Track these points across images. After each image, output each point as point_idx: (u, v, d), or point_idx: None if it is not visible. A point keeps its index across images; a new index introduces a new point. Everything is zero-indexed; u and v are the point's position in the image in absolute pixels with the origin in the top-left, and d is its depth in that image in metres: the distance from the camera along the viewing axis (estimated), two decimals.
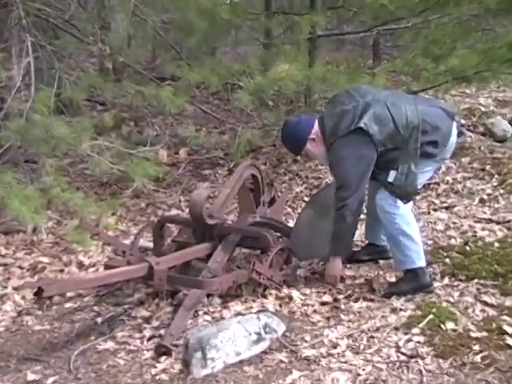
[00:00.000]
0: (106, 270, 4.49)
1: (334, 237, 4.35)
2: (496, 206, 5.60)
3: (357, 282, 4.56)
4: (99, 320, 4.31)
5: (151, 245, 5.02)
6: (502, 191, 5.81)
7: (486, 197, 5.78)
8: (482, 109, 8.06)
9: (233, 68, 6.28)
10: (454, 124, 4.40)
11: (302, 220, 4.85)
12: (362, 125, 4.15)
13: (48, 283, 3.68)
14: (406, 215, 4.28)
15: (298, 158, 7.14)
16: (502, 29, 6.75)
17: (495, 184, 5.96)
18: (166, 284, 4.24)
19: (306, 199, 6.22)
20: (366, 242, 4.94)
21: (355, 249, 4.94)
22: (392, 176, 4.22)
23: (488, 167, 6.28)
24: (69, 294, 4.64)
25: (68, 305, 4.59)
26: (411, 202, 4.38)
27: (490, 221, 5.31)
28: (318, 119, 4.41)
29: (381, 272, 4.63)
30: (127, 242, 5.28)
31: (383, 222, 4.33)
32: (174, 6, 5.71)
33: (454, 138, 4.38)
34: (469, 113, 7.89)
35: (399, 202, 4.24)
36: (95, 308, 4.49)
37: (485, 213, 5.49)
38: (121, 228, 5.93)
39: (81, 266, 5.19)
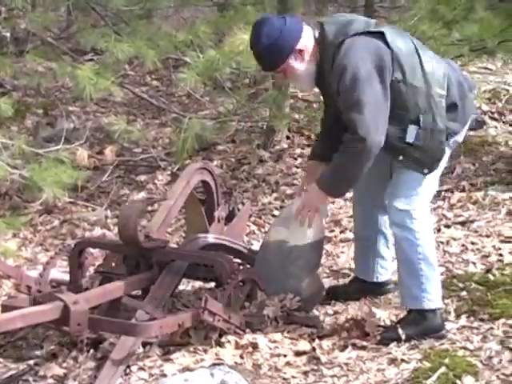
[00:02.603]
0: (3, 312, 4.45)
1: (332, 168, 4.21)
2: None
3: (343, 323, 4.57)
4: None
5: (67, 277, 5.00)
6: None
7: None
8: (511, 90, 8.18)
9: (176, 38, 6.30)
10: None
11: (270, 241, 4.88)
12: (383, 29, 4.12)
13: None
14: (430, 232, 4.32)
15: (266, 157, 7.19)
16: None
17: None
18: (87, 330, 4.23)
19: (277, 213, 6.25)
20: (353, 275, 5.00)
21: (338, 283, 4.99)
22: (412, 133, 4.14)
23: None
24: None
25: None
26: (428, 208, 4.40)
27: None
28: (311, 26, 4.27)
29: (375, 310, 4.66)
30: (34, 273, 5.24)
31: (398, 240, 4.32)
32: None
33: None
34: (492, 96, 8.02)
35: (420, 204, 4.23)
36: None
37: None
38: (25, 255, 5.90)
39: None
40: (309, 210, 4.32)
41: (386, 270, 4.72)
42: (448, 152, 4.38)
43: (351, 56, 4.04)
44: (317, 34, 4.20)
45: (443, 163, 4.38)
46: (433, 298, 4.26)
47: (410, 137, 4.13)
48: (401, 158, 4.22)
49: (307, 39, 4.19)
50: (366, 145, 3.98)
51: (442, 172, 4.48)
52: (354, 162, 4.10)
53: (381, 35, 4.09)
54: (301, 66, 4.21)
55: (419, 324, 4.28)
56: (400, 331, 4.28)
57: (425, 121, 4.12)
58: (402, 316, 4.45)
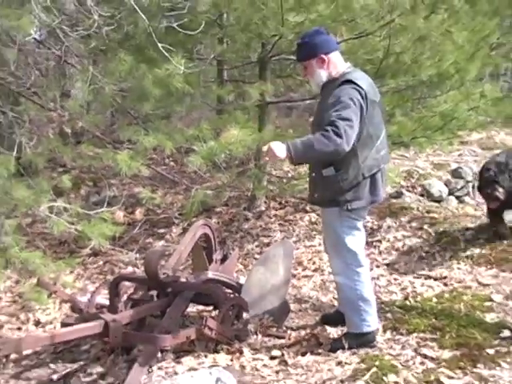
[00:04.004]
0: (62, 327, 4.40)
1: (306, 142, 3.84)
2: (433, 262, 5.67)
3: (304, 335, 4.53)
4: (55, 377, 4.22)
5: (107, 302, 4.95)
6: (438, 248, 5.90)
7: (424, 254, 5.87)
8: (420, 171, 8.27)
9: (187, 133, 6.32)
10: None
11: (252, 276, 4.85)
12: (377, 104, 4.04)
13: (4, 342, 3.60)
14: (366, 277, 4.20)
15: (250, 216, 7.19)
16: (434, 99, 6.97)
17: (432, 242, 6.06)
18: (122, 340, 4.18)
19: (257, 256, 6.23)
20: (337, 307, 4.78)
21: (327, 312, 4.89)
22: (329, 171, 4.04)
23: (426, 226, 6.39)
24: (25, 352, 4.53)
25: (24, 362, 4.49)
26: (363, 255, 4.24)
27: (428, 277, 5.38)
28: (348, 63, 4.19)
29: (327, 327, 4.61)
30: (84, 299, 5.19)
31: (340, 286, 4.25)
32: (131, 75, 5.77)
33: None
34: (408, 175, 8.08)
35: (354, 257, 4.11)
36: (51, 365, 4.41)
37: (423, 269, 5.56)
38: (78, 286, 5.85)
39: (38, 323, 5.09)
40: (270, 155, 3.90)
41: None
42: (358, 220, 4.19)
43: (349, 88, 3.95)
44: (344, 68, 4.12)
45: (358, 227, 4.17)
46: (370, 324, 4.22)
47: (326, 172, 4.04)
48: (316, 195, 4.16)
49: (333, 58, 4.11)
50: (336, 147, 3.77)
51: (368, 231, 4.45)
52: (321, 150, 3.78)
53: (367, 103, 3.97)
54: (317, 70, 4.12)
55: (358, 338, 4.24)
56: (344, 342, 4.25)
57: (341, 174, 4.01)
58: (345, 331, 4.41)
